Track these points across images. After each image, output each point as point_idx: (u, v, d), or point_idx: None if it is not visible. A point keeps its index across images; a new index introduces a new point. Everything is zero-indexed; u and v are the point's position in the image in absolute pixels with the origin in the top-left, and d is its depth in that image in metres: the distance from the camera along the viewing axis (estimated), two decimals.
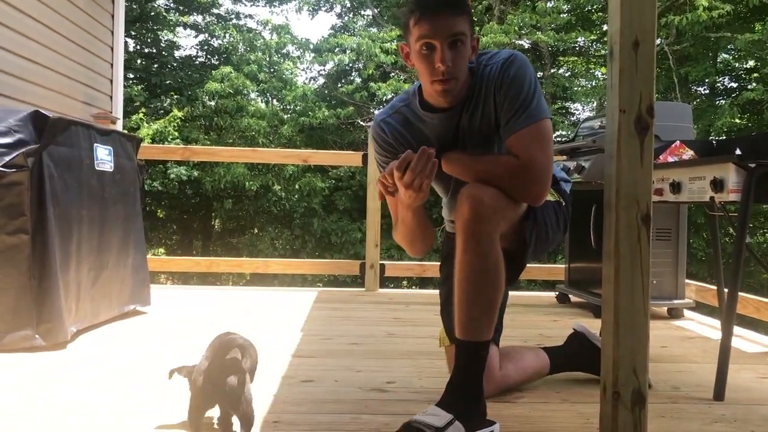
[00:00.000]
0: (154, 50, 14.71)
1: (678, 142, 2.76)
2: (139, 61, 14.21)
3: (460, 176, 1.80)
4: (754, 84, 12.20)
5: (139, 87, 12.92)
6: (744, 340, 3.01)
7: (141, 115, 11.77)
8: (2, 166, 2.38)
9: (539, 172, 1.71)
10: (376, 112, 13.45)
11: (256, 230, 14.07)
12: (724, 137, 12.31)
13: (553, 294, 4.24)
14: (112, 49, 5.04)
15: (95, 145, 2.88)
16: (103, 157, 2.95)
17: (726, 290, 2.28)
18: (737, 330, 3.15)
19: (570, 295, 3.99)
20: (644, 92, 1.56)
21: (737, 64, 13.33)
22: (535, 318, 3.52)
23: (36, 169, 2.45)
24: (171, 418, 1.70)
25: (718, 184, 2.17)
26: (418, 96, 1.87)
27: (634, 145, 1.54)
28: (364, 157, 4.59)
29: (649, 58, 1.56)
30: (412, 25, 1.71)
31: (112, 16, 5.03)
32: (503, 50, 1.85)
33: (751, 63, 12.68)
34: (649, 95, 1.56)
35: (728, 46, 12.00)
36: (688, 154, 2.71)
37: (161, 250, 13.66)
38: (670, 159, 2.69)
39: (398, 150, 1.89)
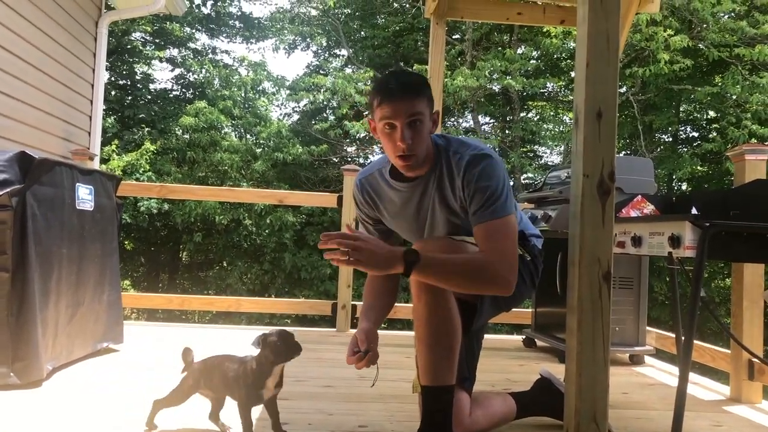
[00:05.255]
0: (129, 83, 14.74)
1: (639, 196, 2.91)
2: (113, 93, 14.21)
3: (434, 284, 1.81)
4: (714, 134, 12.68)
5: (112, 118, 12.91)
6: (701, 387, 3.14)
7: (113, 146, 11.74)
8: None
9: (503, 263, 1.78)
10: (349, 149, 13.45)
11: (225, 264, 13.99)
12: (685, 186, 12.75)
13: (519, 338, 4.34)
14: (92, 86, 5.10)
15: (77, 184, 2.93)
16: (84, 196, 3.00)
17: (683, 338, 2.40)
18: (695, 378, 3.29)
19: (536, 340, 4.09)
20: (606, 159, 1.69)
21: (698, 115, 13.86)
22: (502, 362, 3.61)
23: (20, 209, 2.50)
24: None
25: (675, 241, 2.30)
26: (389, 164, 1.99)
27: (596, 208, 1.67)
28: (339, 199, 4.68)
29: (611, 127, 1.71)
30: (376, 106, 1.84)
31: (94, 55, 5.11)
32: (475, 143, 1.94)
33: (711, 114, 13.19)
34: (611, 161, 1.70)
35: (690, 97, 12.49)
36: (649, 208, 2.86)
37: (127, 282, 13.49)
38: (632, 213, 2.84)
39: (369, 212, 2.09)
